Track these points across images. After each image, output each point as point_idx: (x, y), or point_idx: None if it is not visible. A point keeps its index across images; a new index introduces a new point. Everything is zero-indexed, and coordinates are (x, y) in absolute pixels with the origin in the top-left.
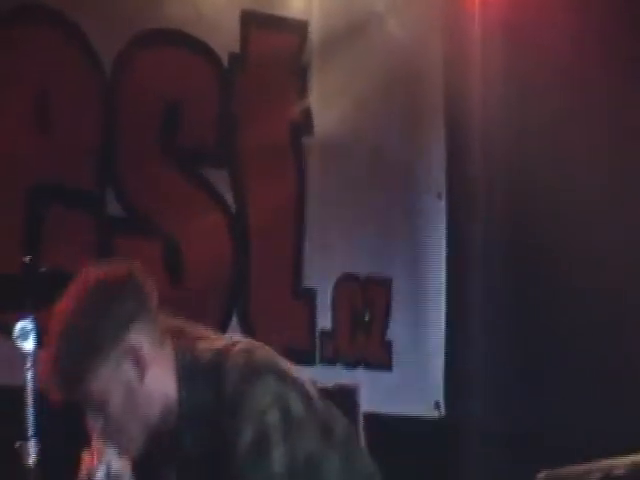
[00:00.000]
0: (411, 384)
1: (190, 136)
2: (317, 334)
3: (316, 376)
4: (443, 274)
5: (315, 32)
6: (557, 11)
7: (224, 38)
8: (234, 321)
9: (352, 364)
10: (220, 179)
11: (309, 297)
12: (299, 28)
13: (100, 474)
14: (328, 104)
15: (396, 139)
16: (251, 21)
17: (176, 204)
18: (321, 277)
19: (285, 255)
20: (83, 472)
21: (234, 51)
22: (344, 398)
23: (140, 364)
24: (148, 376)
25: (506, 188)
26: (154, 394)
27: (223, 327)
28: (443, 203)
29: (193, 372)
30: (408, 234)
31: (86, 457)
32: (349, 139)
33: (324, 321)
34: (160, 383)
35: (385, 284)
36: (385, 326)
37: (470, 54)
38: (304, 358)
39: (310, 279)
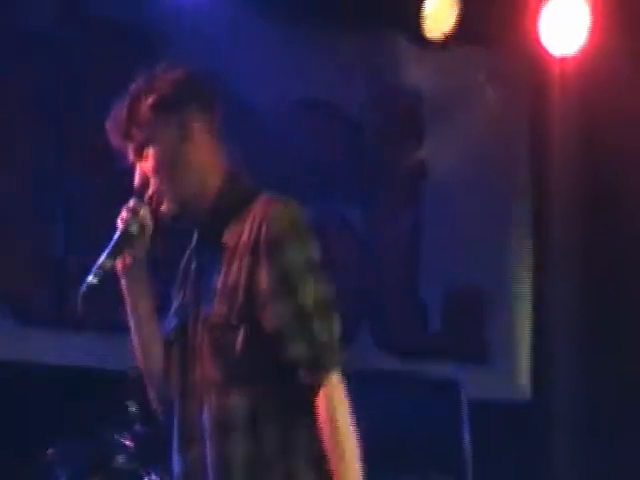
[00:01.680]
0: (502, 377)
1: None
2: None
3: (426, 370)
4: (529, 282)
5: (430, 96)
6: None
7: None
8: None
9: (456, 360)
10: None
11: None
12: (417, 93)
13: (134, 227)
14: (439, 154)
15: (491, 181)
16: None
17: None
18: (432, 287)
19: (403, 270)
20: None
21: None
22: (450, 389)
23: (188, 134)
24: (192, 149)
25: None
26: (195, 165)
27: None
28: (529, 230)
29: (237, 190)
30: (498, 251)
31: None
32: (453, 181)
33: (435, 324)
34: (202, 163)
35: (478, 292)
36: (481, 327)
37: (551, 111)
38: (417, 356)
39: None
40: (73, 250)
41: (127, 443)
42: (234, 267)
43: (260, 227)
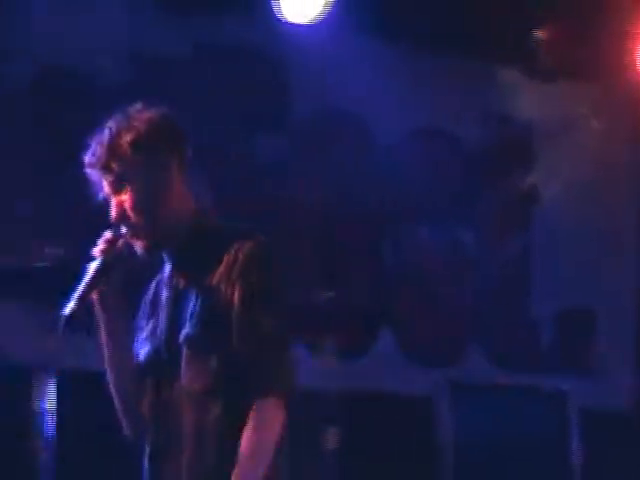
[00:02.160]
0: (610, 389)
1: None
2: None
3: (537, 383)
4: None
5: (538, 126)
6: None
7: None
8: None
9: (566, 373)
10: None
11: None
12: (527, 123)
13: (111, 258)
14: (548, 180)
15: (597, 204)
16: (490, 116)
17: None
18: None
19: (515, 289)
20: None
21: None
22: (560, 401)
23: (165, 172)
24: (168, 186)
25: None
26: (170, 201)
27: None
28: (635, 250)
29: (208, 224)
30: (607, 271)
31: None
32: (562, 205)
33: (546, 339)
34: (176, 199)
35: (587, 309)
36: (590, 342)
37: None
38: (529, 370)
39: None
40: None
41: None
42: (210, 293)
43: (236, 258)
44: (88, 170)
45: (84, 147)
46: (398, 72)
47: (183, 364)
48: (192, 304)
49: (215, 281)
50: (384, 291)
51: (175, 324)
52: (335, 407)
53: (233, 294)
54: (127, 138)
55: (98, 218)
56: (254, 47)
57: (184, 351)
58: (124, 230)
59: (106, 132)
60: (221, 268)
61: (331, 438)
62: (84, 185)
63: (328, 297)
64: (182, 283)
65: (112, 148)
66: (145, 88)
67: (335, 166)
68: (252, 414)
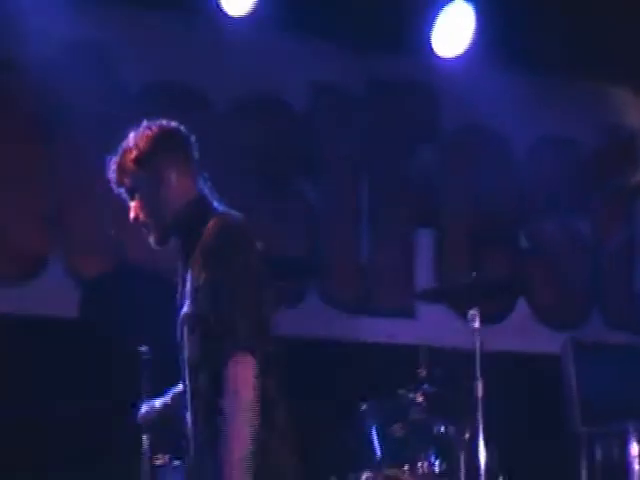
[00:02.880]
0: None
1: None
2: None
3: None
4: None
5: None
6: None
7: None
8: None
9: None
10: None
11: None
12: (634, 131)
13: None
14: None
15: None
16: (603, 125)
17: None
18: None
19: (622, 270)
20: None
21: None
22: None
23: (164, 181)
24: (168, 191)
25: None
26: (169, 203)
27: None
28: None
29: (198, 213)
30: None
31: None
32: None
33: None
34: (175, 200)
35: None
36: None
37: None
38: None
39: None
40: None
41: (419, 399)
42: (192, 273)
43: (203, 237)
44: (111, 184)
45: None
46: (528, 92)
47: (184, 340)
48: (187, 286)
49: (193, 262)
50: (520, 270)
51: (180, 305)
52: (480, 364)
53: (202, 272)
54: (131, 156)
55: None
56: (410, 77)
57: (184, 329)
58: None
59: (119, 151)
60: (197, 248)
61: (478, 389)
62: None
63: (475, 276)
64: (181, 267)
65: (121, 167)
66: (324, 117)
67: (479, 171)
68: (231, 370)
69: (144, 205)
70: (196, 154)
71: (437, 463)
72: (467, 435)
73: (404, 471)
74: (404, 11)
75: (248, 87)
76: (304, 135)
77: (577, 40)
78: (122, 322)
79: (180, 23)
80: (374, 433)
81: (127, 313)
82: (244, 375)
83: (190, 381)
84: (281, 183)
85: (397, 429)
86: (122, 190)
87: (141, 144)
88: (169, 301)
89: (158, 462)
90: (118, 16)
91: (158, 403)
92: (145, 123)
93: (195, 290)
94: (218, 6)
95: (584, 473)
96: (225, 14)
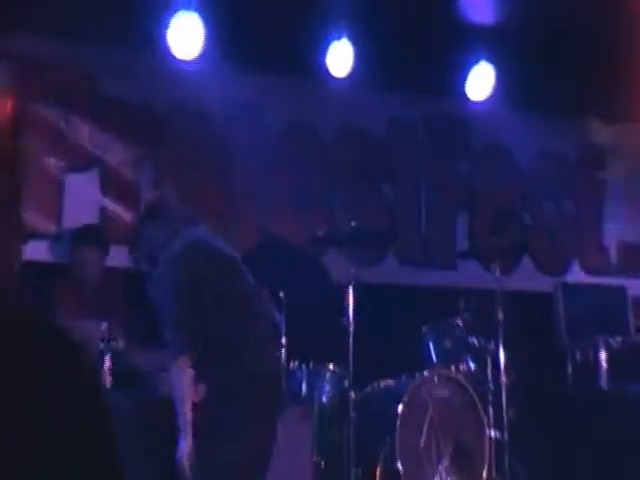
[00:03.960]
0: None
1: None
2: None
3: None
4: None
5: None
6: None
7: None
8: None
9: None
10: None
11: None
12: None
13: None
14: None
15: None
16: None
17: None
18: None
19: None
20: None
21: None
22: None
23: None
24: None
25: None
26: None
27: None
28: None
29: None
30: None
31: None
32: None
33: None
34: None
35: None
36: None
37: None
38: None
39: None
40: None
41: (459, 323)
42: None
43: None
44: None
45: None
46: (530, 122)
47: None
48: None
49: None
50: (523, 238)
51: None
52: (500, 300)
53: None
54: None
55: None
56: (449, 114)
57: None
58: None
59: None
60: None
61: (498, 314)
62: None
63: (495, 240)
64: None
65: None
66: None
67: (495, 174)
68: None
69: None
70: None
71: (472, 365)
72: (492, 346)
73: (451, 370)
74: (446, 67)
75: (346, 124)
76: (385, 156)
77: (565, 86)
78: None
79: (301, 83)
80: (431, 346)
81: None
82: (179, 376)
83: None
84: (370, 186)
85: (446, 343)
86: None
87: None
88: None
89: None
90: (261, 80)
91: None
92: None
93: None
94: (327, 71)
95: (569, 370)
96: (331, 75)
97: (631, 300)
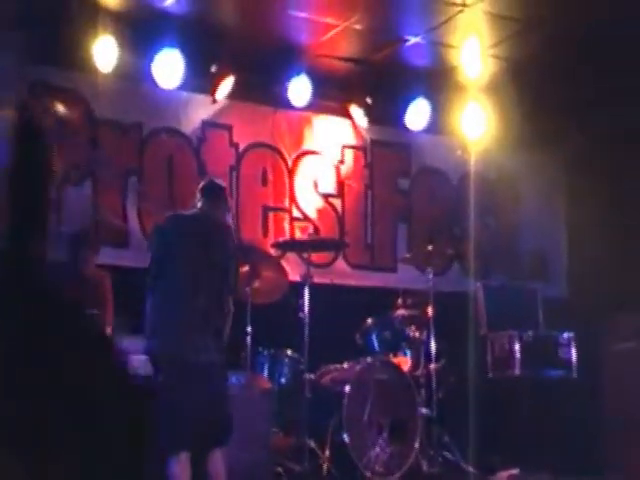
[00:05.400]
0: None
1: None
2: None
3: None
4: None
5: None
6: None
7: None
8: None
9: None
10: None
11: None
12: None
13: None
14: None
15: None
16: None
17: None
18: None
19: None
20: None
21: None
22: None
23: None
24: None
25: None
26: None
27: None
28: None
29: None
30: None
31: None
32: None
33: None
34: None
35: None
36: None
37: None
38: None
39: None
40: None
41: (398, 317)
42: None
43: None
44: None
45: None
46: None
47: None
48: None
49: None
50: (458, 247)
51: None
52: (432, 298)
53: None
54: None
55: None
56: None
57: None
58: None
59: None
60: None
61: (429, 311)
62: None
63: (431, 249)
64: None
65: None
66: None
67: (433, 192)
68: None
69: None
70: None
71: (408, 353)
72: (424, 337)
73: (390, 356)
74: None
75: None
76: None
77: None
78: None
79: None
80: (374, 336)
81: None
82: None
83: None
84: (325, 201)
85: (386, 334)
86: None
87: None
88: None
89: None
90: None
91: None
92: None
93: None
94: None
95: (489, 358)
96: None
97: (540, 300)
